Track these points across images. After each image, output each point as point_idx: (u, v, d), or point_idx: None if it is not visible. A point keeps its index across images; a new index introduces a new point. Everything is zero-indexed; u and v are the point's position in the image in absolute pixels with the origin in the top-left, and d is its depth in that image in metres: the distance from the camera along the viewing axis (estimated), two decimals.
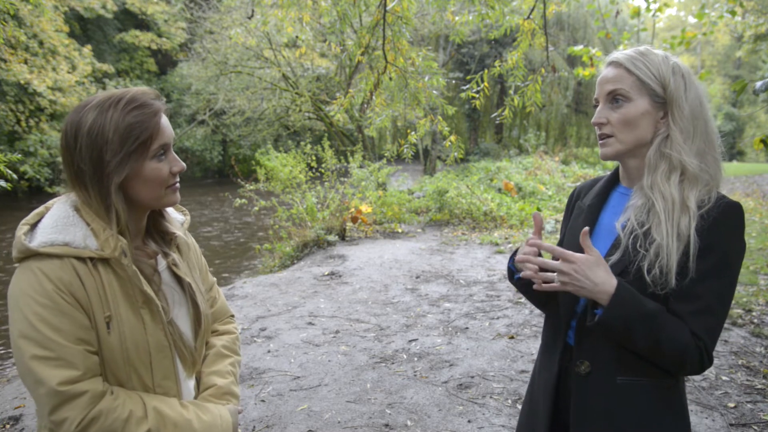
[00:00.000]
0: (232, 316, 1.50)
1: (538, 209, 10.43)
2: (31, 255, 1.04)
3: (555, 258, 1.15)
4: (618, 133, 1.21)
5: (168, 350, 1.16)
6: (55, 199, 1.15)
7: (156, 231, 1.26)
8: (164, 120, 1.13)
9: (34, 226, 1.09)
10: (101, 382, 1.05)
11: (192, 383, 1.28)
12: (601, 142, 1.24)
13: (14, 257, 1.06)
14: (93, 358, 1.04)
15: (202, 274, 1.38)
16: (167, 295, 1.20)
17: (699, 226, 1.11)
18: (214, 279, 1.48)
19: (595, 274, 1.10)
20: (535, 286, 1.19)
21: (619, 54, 1.23)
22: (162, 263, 1.22)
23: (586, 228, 1.12)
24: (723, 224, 1.12)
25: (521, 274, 1.22)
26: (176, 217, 1.35)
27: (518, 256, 1.21)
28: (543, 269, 1.18)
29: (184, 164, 1.17)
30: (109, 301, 1.07)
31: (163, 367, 1.15)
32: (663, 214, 1.13)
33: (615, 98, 1.20)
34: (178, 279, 1.23)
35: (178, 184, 1.18)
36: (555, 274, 1.15)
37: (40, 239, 1.04)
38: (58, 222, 1.07)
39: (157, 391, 1.14)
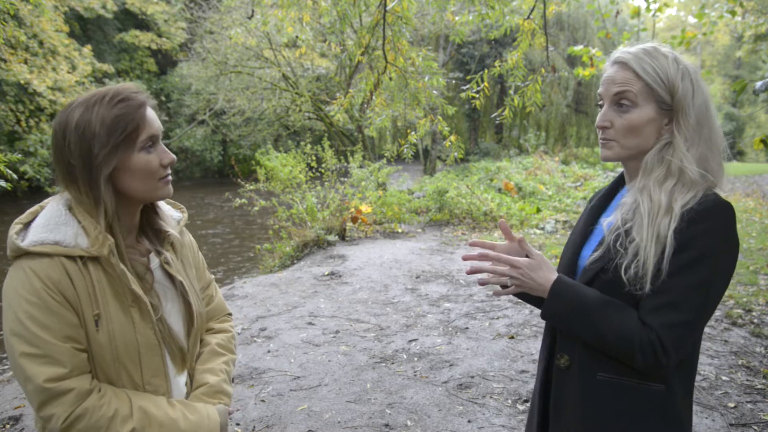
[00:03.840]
0: (230, 314, 1.50)
1: (538, 209, 10.43)
2: (22, 254, 1.05)
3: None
4: (621, 139, 1.19)
5: (158, 348, 1.16)
6: (50, 198, 1.16)
7: (150, 228, 1.26)
8: (150, 112, 1.14)
9: (27, 225, 1.11)
10: (89, 380, 1.06)
11: (183, 380, 1.28)
12: (602, 143, 1.23)
13: (9, 256, 1.08)
14: (81, 356, 1.05)
15: (198, 272, 1.38)
16: (160, 293, 1.20)
17: (678, 228, 1.09)
18: (212, 277, 1.48)
19: (537, 275, 1.18)
20: (495, 292, 1.27)
21: (627, 54, 1.17)
22: (155, 261, 1.23)
23: (521, 236, 1.24)
24: (700, 222, 1.08)
25: (480, 280, 1.26)
26: (172, 215, 1.35)
27: (476, 266, 1.24)
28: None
29: (174, 156, 1.18)
30: (99, 300, 1.08)
31: (152, 365, 1.16)
32: (647, 217, 1.12)
33: (620, 102, 1.17)
34: (171, 277, 1.24)
35: (170, 177, 1.19)
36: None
37: (31, 238, 1.06)
38: (50, 221, 1.08)
39: (146, 388, 1.15)
